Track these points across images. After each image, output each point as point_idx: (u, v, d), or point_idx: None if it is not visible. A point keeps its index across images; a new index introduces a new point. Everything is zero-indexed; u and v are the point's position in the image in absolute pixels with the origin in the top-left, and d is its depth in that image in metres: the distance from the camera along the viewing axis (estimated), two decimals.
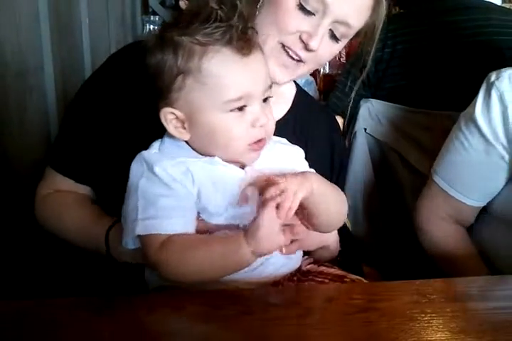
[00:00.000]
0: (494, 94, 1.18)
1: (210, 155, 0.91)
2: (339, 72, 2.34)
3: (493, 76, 1.20)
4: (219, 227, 0.90)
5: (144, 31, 3.28)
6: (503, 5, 2.88)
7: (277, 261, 0.92)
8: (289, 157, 0.98)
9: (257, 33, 0.91)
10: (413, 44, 1.77)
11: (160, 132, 0.94)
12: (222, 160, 0.91)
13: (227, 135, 0.88)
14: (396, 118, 1.72)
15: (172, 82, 0.87)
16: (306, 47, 1.02)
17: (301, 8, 1.00)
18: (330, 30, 1.02)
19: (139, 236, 0.87)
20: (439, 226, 1.31)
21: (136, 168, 0.90)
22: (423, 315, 0.78)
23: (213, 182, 0.89)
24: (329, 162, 1.15)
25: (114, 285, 1.01)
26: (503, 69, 1.20)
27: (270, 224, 0.81)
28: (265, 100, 0.90)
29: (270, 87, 0.91)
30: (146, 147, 0.93)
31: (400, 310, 0.81)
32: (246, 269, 0.85)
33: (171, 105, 0.89)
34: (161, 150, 0.92)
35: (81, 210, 1.08)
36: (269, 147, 0.94)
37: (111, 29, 2.52)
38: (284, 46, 1.03)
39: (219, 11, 0.87)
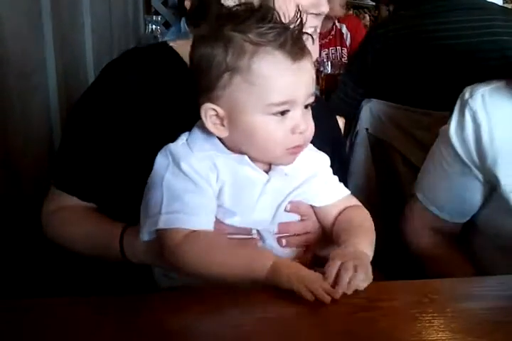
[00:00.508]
0: (467, 113, 1.15)
1: (240, 152, 0.90)
2: (341, 71, 2.34)
3: (467, 93, 1.17)
4: (231, 229, 0.90)
5: (147, 31, 3.27)
6: (504, 5, 2.89)
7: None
8: (314, 163, 0.98)
9: (313, 38, 0.90)
10: (415, 44, 1.77)
11: (166, 143, 0.92)
12: (254, 158, 0.90)
13: (266, 138, 0.87)
14: (397, 118, 1.72)
15: (218, 78, 0.85)
16: (319, 14, 1.02)
17: None
18: None
19: (159, 230, 0.86)
20: (422, 238, 1.30)
21: (161, 160, 0.89)
22: (424, 315, 0.78)
23: (235, 182, 0.89)
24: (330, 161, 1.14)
25: (124, 287, 1.01)
26: (476, 87, 1.17)
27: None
28: (306, 106, 0.89)
29: (313, 94, 0.89)
30: (151, 159, 0.91)
31: (401, 309, 0.81)
32: None
33: (213, 101, 0.87)
34: (190, 141, 0.91)
35: (91, 219, 1.07)
36: None
37: (113, 29, 2.52)
38: None
39: (276, 12, 0.86)
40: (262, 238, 0.92)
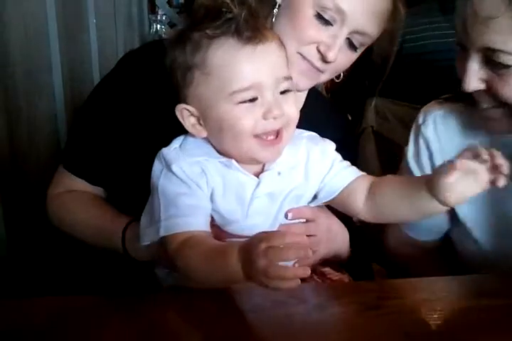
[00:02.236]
0: (421, 140, 1.13)
1: (227, 154, 0.89)
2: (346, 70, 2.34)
3: (420, 118, 1.14)
4: (228, 235, 0.89)
5: (151, 30, 3.28)
6: None
7: None
8: (314, 157, 0.94)
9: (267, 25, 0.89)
10: (421, 42, 1.77)
11: (175, 133, 0.92)
12: (239, 160, 0.89)
13: (233, 126, 0.85)
14: (402, 116, 1.72)
15: (183, 77, 0.87)
16: (324, 59, 0.99)
17: (319, 17, 0.98)
18: (347, 38, 1.00)
19: (162, 237, 0.86)
20: (403, 253, 1.25)
21: (156, 164, 0.90)
22: (433, 313, 0.78)
23: (225, 187, 0.88)
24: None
25: (128, 284, 1.02)
26: (430, 110, 1.14)
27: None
28: (284, 92, 0.87)
29: (288, 78, 0.87)
30: (160, 147, 0.91)
31: (409, 307, 0.81)
32: None
33: (184, 101, 0.88)
34: (182, 147, 0.91)
35: (95, 208, 1.08)
36: (292, 147, 0.91)
37: (118, 28, 2.52)
38: (302, 56, 1.01)
39: (230, 5, 0.86)
40: None
